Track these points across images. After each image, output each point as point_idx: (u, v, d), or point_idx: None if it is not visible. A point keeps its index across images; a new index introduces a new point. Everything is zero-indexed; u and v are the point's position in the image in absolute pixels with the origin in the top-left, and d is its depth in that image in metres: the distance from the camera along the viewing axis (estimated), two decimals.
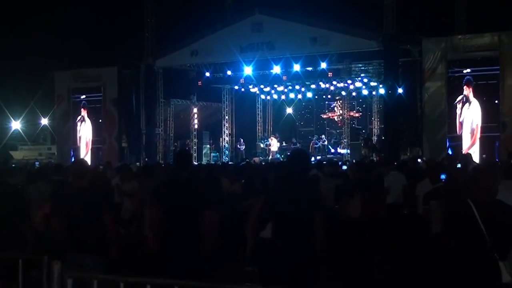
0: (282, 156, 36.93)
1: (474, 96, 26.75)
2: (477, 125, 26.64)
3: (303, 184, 7.19)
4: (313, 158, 32.63)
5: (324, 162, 18.66)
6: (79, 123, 36.54)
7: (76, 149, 36.40)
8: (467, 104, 26.84)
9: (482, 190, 6.05)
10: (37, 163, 28.50)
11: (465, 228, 5.96)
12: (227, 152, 40.61)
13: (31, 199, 9.72)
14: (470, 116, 26.78)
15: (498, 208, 6.03)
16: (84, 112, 36.38)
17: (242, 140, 39.92)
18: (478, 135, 26.65)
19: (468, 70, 26.87)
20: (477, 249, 5.88)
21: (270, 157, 38.08)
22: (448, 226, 6.35)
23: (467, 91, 26.79)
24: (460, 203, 6.23)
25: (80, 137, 36.52)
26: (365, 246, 11.83)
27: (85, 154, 35.69)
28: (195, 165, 20.75)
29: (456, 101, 27.07)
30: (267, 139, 41.51)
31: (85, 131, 36.45)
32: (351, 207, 11.67)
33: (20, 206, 8.84)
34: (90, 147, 36.24)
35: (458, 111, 27.06)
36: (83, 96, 36.38)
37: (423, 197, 10.57)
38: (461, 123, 27.02)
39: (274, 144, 39.73)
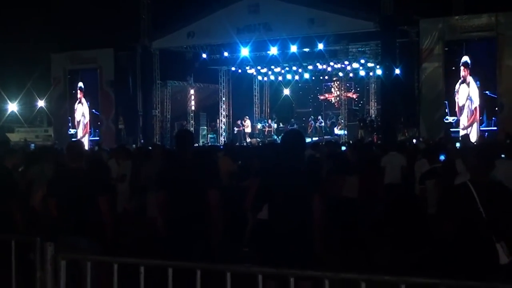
0: (279, 137, 36.92)
1: (470, 75, 26.69)
2: (475, 107, 26.58)
3: (297, 165, 7.14)
4: (309, 139, 32.63)
5: (321, 143, 18.64)
6: (76, 106, 36.50)
7: (74, 132, 36.48)
8: (464, 85, 26.78)
9: (478, 170, 6.03)
10: (32, 145, 28.36)
11: (463, 209, 5.94)
12: (224, 133, 40.59)
13: (34, 180, 9.66)
14: (468, 97, 26.71)
15: (495, 188, 6.01)
16: (80, 95, 36.34)
17: (239, 121, 39.92)
18: (478, 116, 26.59)
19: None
20: (475, 230, 5.86)
21: (248, 139, 38.18)
22: (446, 207, 6.33)
23: (464, 73, 26.74)
24: (458, 184, 6.21)
25: (78, 120, 36.51)
26: (362, 227, 11.84)
27: (83, 136, 35.69)
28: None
29: (456, 83, 26.96)
30: (265, 120, 41.58)
31: (82, 113, 36.41)
32: (348, 187, 11.66)
33: (12, 187, 8.79)
34: (87, 129, 36.23)
35: (456, 93, 26.97)
36: (79, 78, 36.41)
37: (419, 177, 10.58)
38: (459, 105, 26.95)
39: (248, 126, 39.94)
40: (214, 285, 5.08)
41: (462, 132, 25.59)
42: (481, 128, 26.27)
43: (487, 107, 26.44)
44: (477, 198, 5.84)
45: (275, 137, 38.52)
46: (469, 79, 26.65)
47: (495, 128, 25.88)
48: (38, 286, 5.15)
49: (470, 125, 26.61)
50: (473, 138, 23.70)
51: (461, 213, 5.95)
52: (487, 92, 26.16)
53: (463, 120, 26.86)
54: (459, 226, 5.96)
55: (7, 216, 8.38)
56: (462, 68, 26.75)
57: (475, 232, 5.88)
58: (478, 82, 26.36)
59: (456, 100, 26.97)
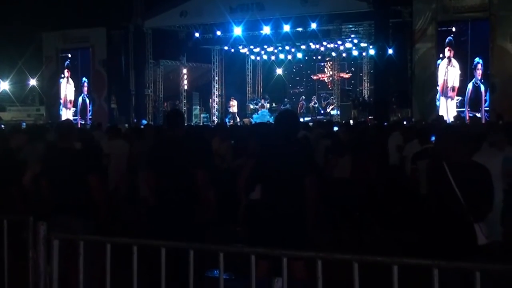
0: (272, 117, 36.89)
1: (454, 57, 26.68)
2: (455, 87, 26.60)
3: (292, 145, 7.15)
4: (301, 119, 32.60)
5: (311, 124, 18.61)
6: (63, 84, 36.44)
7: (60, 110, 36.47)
8: (450, 66, 26.75)
9: (452, 151, 6.04)
10: (23, 123, 28.28)
11: (440, 190, 5.98)
12: (217, 113, 40.57)
13: (28, 159, 9.66)
14: (452, 76, 26.70)
15: (472, 169, 6.03)
16: (68, 74, 36.23)
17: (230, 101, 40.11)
18: (455, 96, 26.61)
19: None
20: (452, 211, 5.89)
21: (238, 120, 38.20)
22: (428, 188, 6.39)
23: (449, 53, 26.70)
24: (434, 165, 6.24)
25: (65, 97, 36.46)
26: (354, 207, 11.86)
27: (67, 114, 35.71)
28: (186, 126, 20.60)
29: (439, 63, 26.93)
30: (257, 100, 41.55)
31: (68, 92, 36.36)
32: (340, 168, 11.67)
33: (14, 169, 8.79)
34: (71, 108, 36.16)
35: (442, 73, 26.89)
36: (70, 56, 36.27)
37: (411, 157, 10.59)
38: (445, 84, 26.90)
39: (234, 105, 39.99)
40: (206, 264, 5.12)
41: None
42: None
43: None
44: (452, 180, 5.86)
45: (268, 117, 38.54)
46: (452, 58, 26.65)
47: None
48: (30, 266, 5.16)
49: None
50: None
51: (439, 195, 5.99)
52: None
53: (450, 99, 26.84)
54: (436, 207, 6.01)
55: (9, 197, 8.40)
56: (447, 48, 26.70)
57: (452, 214, 5.91)
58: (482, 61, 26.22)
59: (444, 79, 26.87)
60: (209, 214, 7.58)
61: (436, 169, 6.13)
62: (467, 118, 25.40)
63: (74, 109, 36.26)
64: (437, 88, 27.00)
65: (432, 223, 6.13)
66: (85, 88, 36.09)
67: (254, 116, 38.17)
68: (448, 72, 26.75)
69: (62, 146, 7.89)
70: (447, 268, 3.99)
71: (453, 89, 26.69)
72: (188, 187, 7.39)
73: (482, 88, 26.08)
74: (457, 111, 26.09)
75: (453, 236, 5.88)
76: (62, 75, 36.61)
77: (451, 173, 5.89)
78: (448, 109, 26.38)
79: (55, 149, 8.23)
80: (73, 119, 32.66)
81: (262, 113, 37.80)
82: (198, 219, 7.41)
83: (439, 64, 26.97)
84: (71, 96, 36.41)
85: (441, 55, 27.00)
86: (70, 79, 36.32)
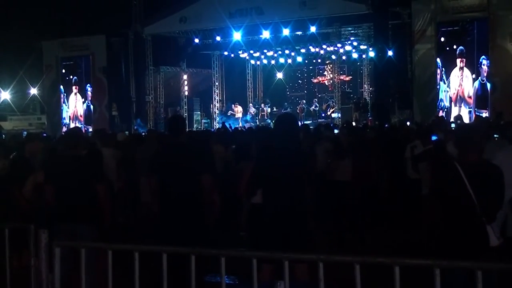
0: (273, 121, 36.85)
1: (465, 66, 26.57)
2: (471, 96, 26.44)
3: (291, 150, 7.14)
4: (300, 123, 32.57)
5: (311, 127, 18.60)
6: (72, 98, 36.36)
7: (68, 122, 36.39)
8: (464, 77, 26.61)
9: (468, 151, 5.99)
10: (24, 132, 28.28)
11: (452, 192, 5.91)
12: (218, 118, 40.55)
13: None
14: (467, 86, 26.56)
15: (485, 169, 5.97)
16: (75, 89, 36.16)
17: (233, 105, 40.04)
18: (471, 103, 26.49)
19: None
20: (465, 213, 5.85)
21: (240, 125, 38.05)
22: (435, 189, 6.33)
23: (461, 64, 26.57)
24: (446, 165, 6.18)
25: (74, 112, 36.39)
26: (356, 209, 11.86)
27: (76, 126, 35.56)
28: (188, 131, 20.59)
29: (452, 72, 26.79)
30: (257, 103, 41.55)
31: (78, 106, 36.32)
32: (341, 171, 11.65)
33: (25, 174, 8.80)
34: (82, 120, 36.16)
35: (456, 83, 26.73)
36: (71, 63, 36.20)
37: (411, 158, 10.59)
38: (460, 91, 26.74)
39: (239, 111, 39.97)
40: (210, 268, 5.11)
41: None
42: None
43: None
44: (466, 180, 5.81)
45: (269, 121, 38.52)
46: (465, 68, 26.52)
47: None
48: (32, 274, 5.15)
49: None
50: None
51: (450, 196, 5.93)
52: None
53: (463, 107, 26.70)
54: (449, 207, 5.96)
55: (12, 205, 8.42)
56: (458, 59, 26.59)
57: (465, 215, 5.86)
58: (488, 61, 26.09)
59: (459, 87, 26.71)
60: (214, 216, 7.64)
61: (448, 170, 6.06)
62: (473, 116, 25.36)
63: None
64: (444, 94, 26.96)
65: (441, 224, 6.08)
66: (89, 94, 36.01)
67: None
68: (463, 82, 26.58)
69: (70, 154, 7.89)
70: (449, 268, 3.98)
71: (469, 97, 26.50)
72: (193, 191, 7.42)
73: (488, 86, 25.93)
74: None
75: (466, 238, 5.82)
76: (63, 90, 36.53)
77: (465, 173, 5.84)
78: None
79: (61, 157, 8.24)
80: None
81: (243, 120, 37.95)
82: (204, 222, 7.45)
83: (450, 74, 26.84)
84: (81, 111, 36.30)
85: (440, 62, 26.99)
86: (78, 95, 36.18)
